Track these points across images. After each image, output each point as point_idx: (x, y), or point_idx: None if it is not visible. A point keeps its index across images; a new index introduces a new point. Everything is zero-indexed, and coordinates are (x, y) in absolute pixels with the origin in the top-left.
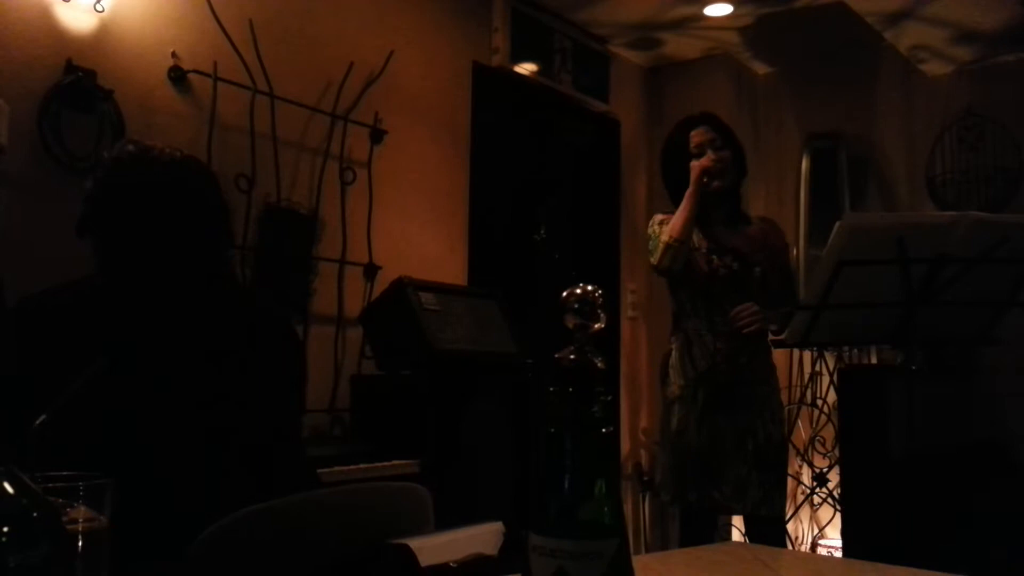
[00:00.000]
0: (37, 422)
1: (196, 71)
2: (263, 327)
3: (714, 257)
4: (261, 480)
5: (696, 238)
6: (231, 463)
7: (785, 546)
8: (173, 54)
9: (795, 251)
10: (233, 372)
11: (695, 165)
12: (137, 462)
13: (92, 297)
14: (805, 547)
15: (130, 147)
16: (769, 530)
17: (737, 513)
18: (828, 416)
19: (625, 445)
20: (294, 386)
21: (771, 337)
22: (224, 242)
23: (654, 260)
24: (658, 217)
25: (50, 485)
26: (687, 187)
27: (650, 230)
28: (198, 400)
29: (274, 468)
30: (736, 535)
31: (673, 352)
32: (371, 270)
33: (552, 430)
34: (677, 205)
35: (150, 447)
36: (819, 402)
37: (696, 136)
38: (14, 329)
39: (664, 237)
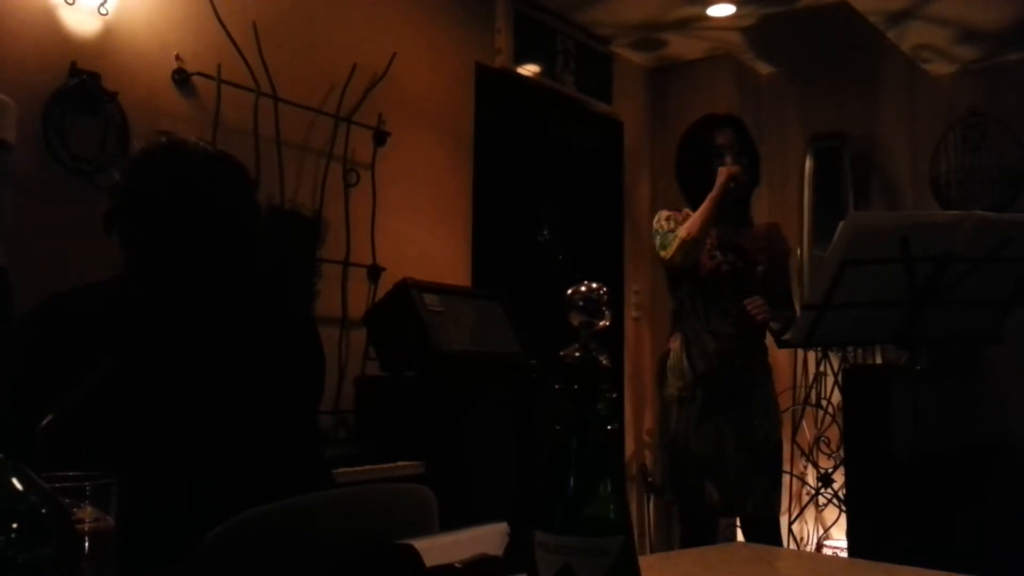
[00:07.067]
0: (43, 423)
1: (200, 73)
2: (287, 331)
3: (717, 253)
4: (280, 484)
5: None
6: (248, 467)
7: (780, 547)
8: (177, 56)
9: (799, 251)
10: (253, 376)
11: (723, 170)
12: (146, 464)
13: (118, 297)
14: (810, 548)
15: (163, 139)
16: (764, 531)
17: (735, 515)
18: (833, 416)
19: (629, 446)
20: (315, 393)
21: (774, 335)
22: (256, 242)
23: (666, 254)
24: (664, 213)
25: (57, 485)
26: (704, 186)
27: (656, 225)
28: (213, 403)
29: (295, 474)
30: (739, 536)
31: (671, 353)
32: (375, 271)
33: (557, 427)
34: (689, 203)
35: (162, 449)
36: (824, 402)
37: (721, 137)
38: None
39: (682, 233)
